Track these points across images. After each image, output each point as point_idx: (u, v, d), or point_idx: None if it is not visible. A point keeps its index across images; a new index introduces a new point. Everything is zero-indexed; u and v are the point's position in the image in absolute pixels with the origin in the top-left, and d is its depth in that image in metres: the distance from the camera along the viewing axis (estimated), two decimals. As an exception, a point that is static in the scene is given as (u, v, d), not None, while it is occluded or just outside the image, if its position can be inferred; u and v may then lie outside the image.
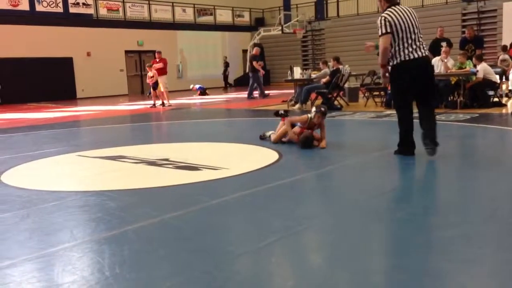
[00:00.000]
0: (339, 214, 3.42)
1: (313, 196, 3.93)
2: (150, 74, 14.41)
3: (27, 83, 20.09)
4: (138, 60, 24.48)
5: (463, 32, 11.89)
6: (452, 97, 10.09)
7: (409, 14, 4.99)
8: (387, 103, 10.70)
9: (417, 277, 2.33)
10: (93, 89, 22.12)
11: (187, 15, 26.72)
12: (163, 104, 14.60)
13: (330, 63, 11.91)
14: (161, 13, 25.44)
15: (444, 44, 10.83)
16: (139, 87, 24.45)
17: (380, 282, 2.36)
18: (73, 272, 2.52)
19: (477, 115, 8.59)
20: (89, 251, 2.85)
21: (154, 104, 14.57)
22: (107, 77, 22.65)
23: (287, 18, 26.32)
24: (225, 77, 26.13)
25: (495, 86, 9.98)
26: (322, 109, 6.20)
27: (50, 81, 20.71)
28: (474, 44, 10.86)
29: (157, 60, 14.79)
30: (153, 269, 2.54)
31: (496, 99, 10.01)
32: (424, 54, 4.97)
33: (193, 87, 20.52)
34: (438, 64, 10.26)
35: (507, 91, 11.91)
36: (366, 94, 12.16)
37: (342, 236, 2.97)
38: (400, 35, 4.91)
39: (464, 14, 22.29)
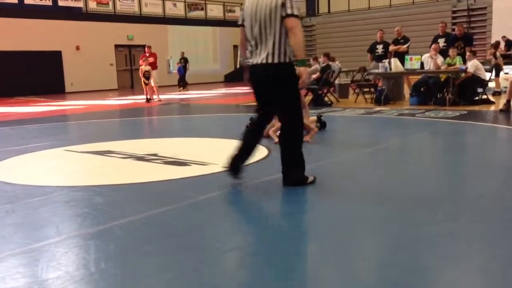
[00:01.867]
0: (327, 210, 3.42)
1: (301, 192, 3.91)
2: (145, 68, 14.07)
3: (15, 77, 19.88)
4: (128, 54, 24.31)
5: (453, 30, 11.94)
6: (441, 94, 10.13)
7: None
8: (377, 99, 10.73)
9: (406, 274, 2.33)
10: (82, 83, 21.94)
11: (178, 10, 26.56)
12: (147, 100, 14.39)
13: (321, 59, 11.92)
14: (152, 7, 25.26)
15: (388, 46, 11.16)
16: (129, 82, 24.30)
17: (368, 279, 2.35)
18: (57, 268, 2.49)
19: (466, 112, 8.63)
20: (74, 247, 2.81)
21: (147, 99, 14.39)
22: (97, 71, 22.48)
23: (278, 14, 26.24)
24: (183, 75, 21.07)
25: (484, 84, 10.03)
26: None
27: (38, 75, 20.51)
28: (464, 42, 10.92)
29: (147, 54, 14.67)
30: (139, 265, 2.51)
31: (484, 97, 10.07)
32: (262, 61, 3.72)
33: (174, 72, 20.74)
34: (428, 61, 10.31)
35: (499, 89, 11.98)
36: (356, 91, 12.18)
37: (330, 232, 2.96)
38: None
39: (454, 12, 22.40)
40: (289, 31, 3.63)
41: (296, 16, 3.63)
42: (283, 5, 3.61)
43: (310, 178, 4.01)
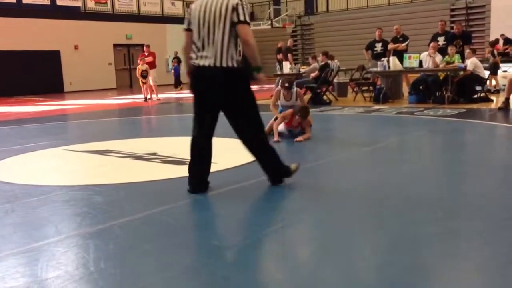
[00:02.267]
0: (326, 209, 3.42)
1: (300, 191, 3.92)
2: (142, 67, 14.05)
3: (14, 77, 19.85)
4: (127, 53, 24.30)
5: (452, 28, 11.92)
6: (439, 93, 10.14)
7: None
8: (376, 98, 10.74)
9: (405, 272, 2.33)
10: (81, 82, 21.92)
11: (176, 9, 26.52)
12: (145, 99, 14.36)
13: (319, 58, 11.92)
14: (150, 6, 25.23)
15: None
16: (128, 81, 24.28)
17: (367, 278, 2.36)
18: (57, 267, 2.49)
19: (465, 110, 8.63)
20: (74, 246, 2.81)
21: (145, 98, 14.38)
22: (95, 71, 22.45)
23: (277, 13, 26.29)
24: (178, 75, 20.84)
25: (482, 82, 10.04)
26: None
27: (37, 74, 20.49)
28: (462, 40, 10.92)
29: (146, 53, 14.66)
30: (139, 264, 2.52)
31: (483, 94, 10.08)
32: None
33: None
34: (427, 59, 10.31)
35: (495, 88, 12.00)
36: (355, 89, 12.19)
37: (329, 231, 2.96)
38: None
39: (452, 10, 22.40)
40: (243, 40, 3.52)
41: (248, 23, 3.51)
42: (235, 10, 3.47)
43: (293, 166, 4.03)
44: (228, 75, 3.56)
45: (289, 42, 16.17)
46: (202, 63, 3.57)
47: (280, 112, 6.57)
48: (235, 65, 3.56)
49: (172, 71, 21.39)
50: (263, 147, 3.85)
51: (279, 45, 15.19)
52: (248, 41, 3.50)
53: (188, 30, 3.68)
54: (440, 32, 11.25)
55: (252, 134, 3.78)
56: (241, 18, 3.47)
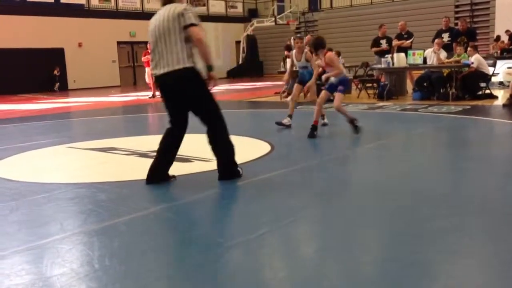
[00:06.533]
0: (330, 206, 3.42)
1: (304, 188, 3.92)
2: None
3: (18, 74, 19.92)
4: (131, 51, 24.32)
5: (456, 24, 11.88)
6: (444, 89, 10.11)
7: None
8: (380, 94, 10.72)
9: (408, 268, 2.33)
10: (85, 80, 21.98)
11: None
12: (153, 96, 14.36)
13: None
14: (154, 4, 25.14)
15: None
16: (132, 78, 24.32)
17: (370, 272, 2.36)
18: (62, 265, 2.50)
19: (469, 107, 8.61)
20: (79, 244, 2.82)
21: (153, 95, 14.33)
22: (99, 68, 22.50)
23: (281, 9, 26.25)
24: None
25: (487, 78, 10.00)
26: (299, 35, 6.70)
27: (41, 72, 20.54)
28: (467, 37, 10.88)
29: (149, 51, 14.64)
30: (143, 261, 2.53)
31: (488, 91, 10.04)
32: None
33: None
34: (431, 56, 10.28)
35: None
36: (359, 86, 12.16)
37: (333, 228, 2.97)
38: None
39: (457, 6, 22.31)
40: (194, 41, 3.75)
41: (196, 25, 3.74)
42: (182, 16, 3.74)
43: (241, 171, 4.16)
44: (183, 77, 3.81)
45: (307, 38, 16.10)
46: (162, 72, 3.84)
47: (297, 75, 7.24)
48: (188, 65, 3.77)
49: None
50: (220, 141, 4.03)
51: (288, 42, 15.07)
52: (199, 40, 3.74)
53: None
54: (444, 28, 11.21)
55: (211, 127, 4.00)
56: (188, 22, 3.74)
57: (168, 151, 4.10)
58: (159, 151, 4.11)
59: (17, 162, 5.45)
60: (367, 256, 2.57)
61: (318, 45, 6.17)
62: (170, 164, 4.13)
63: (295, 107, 7.33)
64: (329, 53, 6.26)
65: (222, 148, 4.05)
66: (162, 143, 4.11)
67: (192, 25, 3.74)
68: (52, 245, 2.80)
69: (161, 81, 3.90)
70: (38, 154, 5.92)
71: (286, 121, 6.99)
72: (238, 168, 4.16)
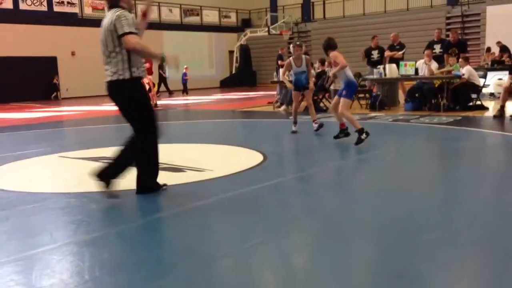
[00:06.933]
0: (322, 217, 3.42)
1: (296, 199, 3.92)
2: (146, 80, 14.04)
3: (10, 83, 19.83)
4: (124, 60, 24.25)
5: (448, 36, 12.00)
6: (435, 100, 10.18)
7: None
8: (372, 105, 10.77)
9: (400, 281, 2.34)
10: (78, 89, 21.91)
11: (174, 16, 26.62)
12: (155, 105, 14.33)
13: (316, 65, 11.95)
14: (147, 13, 25.26)
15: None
16: (125, 87, 24.23)
17: (362, 285, 2.36)
18: (52, 275, 2.48)
19: (460, 118, 8.67)
20: (69, 254, 2.81)
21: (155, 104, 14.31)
22: (92, 77, 22.35)
23: (274, 20, 26.39)
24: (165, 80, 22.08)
25: (478, 89, 10.09)
26: (298, 42, 7.55)
27: (33, 80, 20.47)
28: (458, 48, 10.98)
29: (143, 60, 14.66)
30: (134, 272, 2.51)
31: (478, 102, 10.12)
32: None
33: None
34: (423, 67, 10.36)
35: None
36: (351, 96, 12.20)
37: (326, 239, 2.97)
38: None
39: (448, 18, 22.54)
40: (130, 50, 3.80)
41: (130, 33, 3.77)
42: (114, 26, 3.79)
43: (163, 185, 4.15)
44: (114, 89, 3.90)
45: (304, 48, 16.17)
46: (104, 80, 3.94)
47: (293, 82, 7.50)
48: (127, 76, 3.83)
49: (167, 75, 21.52)
50: (133, 153, 4.03)
51: (280, 52, 15.10)
52: (134, 48, 3.79)
53: None
54: (436, 39, 11.32)
55: (136, 137, 4.01)
56: (120, 32, 3.77)
57: (122, 154, 4.04)
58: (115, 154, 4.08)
59: (8, 171, 5.41)
60: (360, 268, 2.57)
61: (331, 46, 6.40)
62: (124, 167, 4.05)
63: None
64: (333, 52, 6.36)
65: (140, 163, 4.04)
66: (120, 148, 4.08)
67: (123, 35, 3.76)
68: (42, 256, 2.78)
69: (106, 88, 3.97)
70: (30, 163, 5.89)
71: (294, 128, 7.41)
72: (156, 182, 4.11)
